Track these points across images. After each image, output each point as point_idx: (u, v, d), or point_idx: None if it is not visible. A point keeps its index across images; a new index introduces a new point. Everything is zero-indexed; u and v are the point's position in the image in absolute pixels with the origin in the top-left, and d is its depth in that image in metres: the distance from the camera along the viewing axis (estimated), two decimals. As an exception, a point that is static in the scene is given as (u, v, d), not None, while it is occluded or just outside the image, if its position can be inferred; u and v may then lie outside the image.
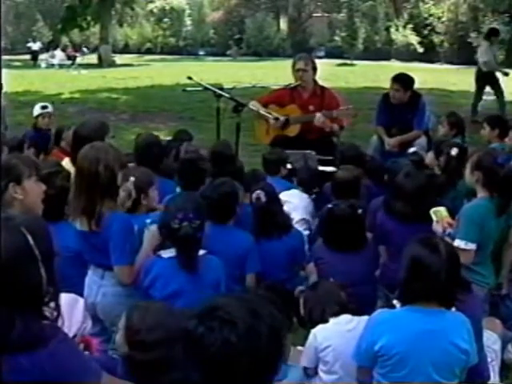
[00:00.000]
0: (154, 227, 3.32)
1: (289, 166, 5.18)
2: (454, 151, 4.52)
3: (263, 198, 3.99)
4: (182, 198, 3.30)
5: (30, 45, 38.52)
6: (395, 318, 2.79)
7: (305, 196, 4.91)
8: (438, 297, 2.72)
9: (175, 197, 3.44)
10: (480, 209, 3.74)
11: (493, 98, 11.83)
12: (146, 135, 5.34)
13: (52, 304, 1.97)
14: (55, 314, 1.97)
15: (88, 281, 3.37)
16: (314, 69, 6.14)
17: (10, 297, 1.86)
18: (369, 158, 5.53)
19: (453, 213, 3.84)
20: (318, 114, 5.82)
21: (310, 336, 3.12)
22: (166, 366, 2.24)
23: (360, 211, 3.90)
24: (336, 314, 3.15)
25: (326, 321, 3.14)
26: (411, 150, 5.85)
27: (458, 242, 3.63)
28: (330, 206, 4.09)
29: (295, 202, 4.70)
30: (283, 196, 4.52)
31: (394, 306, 2.91)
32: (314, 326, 3.17)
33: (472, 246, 3.65)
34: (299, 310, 3.35)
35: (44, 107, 6.87)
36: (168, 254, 3.15)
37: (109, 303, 3.27)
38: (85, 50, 40.25)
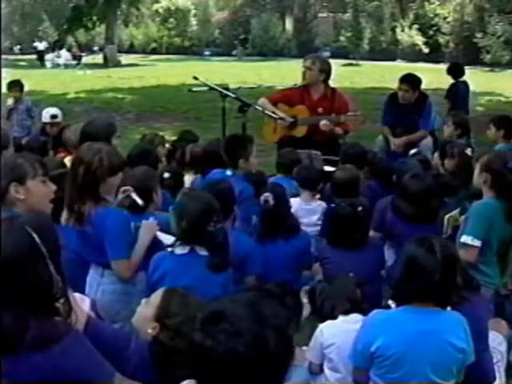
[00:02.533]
0: (149, 220, 3.36)
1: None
2: (469, 151, 4.53)
3: (271, 201, 3.98)
4: (203, 200, 3.26)
5: (36, 44, 38.61)
6: (391, 319, 2.78)
7: (309, 207, 4.82)
8: (433, 297, 2.71)
9: (193, 199, 3.37)
10: (489, 206, 3.76)
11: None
12: (140, 144, 5.34)
13: (62, 299, 1.97)
14: (67, 308, 1.97)
15: (89, 279, 3.40)
16: (321, 70, 6.09)
17: (21, 297, 1.86)
18: (378, 159, 5.50)
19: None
20: (324, 121, 5.82)
21: (317, 331, 3.12)
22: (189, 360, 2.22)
23: (360, 209, 3.90)
24: (346, 312, 3.15)
25: (335, 317, 3.14)
26: (413, 151, 5.85)
27: (464, 238, 3.65)
28: (332, 205, 4.11)
29: (300, 213, 4.67)
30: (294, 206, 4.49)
31: (389, 307, 2.91)
32: (322, 320, 3.17)
33: (477, 243, 3.66)
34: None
35: (54, 116, 6.83)
36: (180, 250, 3.16)
37: (107, 301, 3.29)
38: (95, 49, 40.46)
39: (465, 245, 3.64)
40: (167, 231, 3.39)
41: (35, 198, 2.89)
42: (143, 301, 2.65)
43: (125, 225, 3.25)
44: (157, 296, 2.55)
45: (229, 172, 4.34)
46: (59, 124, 6.83)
